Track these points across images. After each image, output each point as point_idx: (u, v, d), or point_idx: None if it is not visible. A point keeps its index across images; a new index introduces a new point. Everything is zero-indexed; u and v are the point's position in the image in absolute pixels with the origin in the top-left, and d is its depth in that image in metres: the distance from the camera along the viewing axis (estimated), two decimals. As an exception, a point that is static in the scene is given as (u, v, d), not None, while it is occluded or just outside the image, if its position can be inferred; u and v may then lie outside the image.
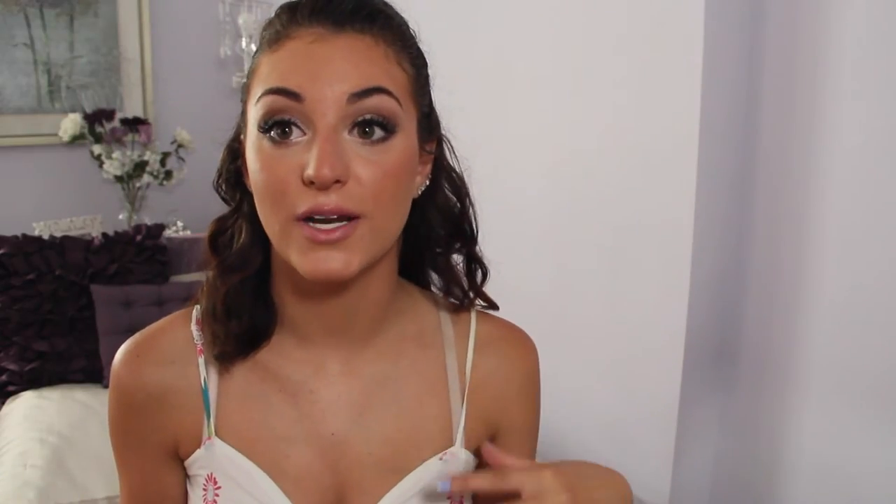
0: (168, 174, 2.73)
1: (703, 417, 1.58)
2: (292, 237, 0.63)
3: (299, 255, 0.63)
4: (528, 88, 1.88)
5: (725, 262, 1.53)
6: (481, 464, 0.78)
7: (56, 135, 2.68)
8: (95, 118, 2.66)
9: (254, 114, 0.65)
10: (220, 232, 0.74)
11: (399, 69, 0.66)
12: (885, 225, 1.28)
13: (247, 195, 0.71)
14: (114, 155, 2.64)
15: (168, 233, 2.69)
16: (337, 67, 0.62)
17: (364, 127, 0.63)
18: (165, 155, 2.73)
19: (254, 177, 0.65)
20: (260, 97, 0.64)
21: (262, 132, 0.64)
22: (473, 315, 0.80)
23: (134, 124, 2.70)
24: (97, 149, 2.65)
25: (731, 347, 1.56)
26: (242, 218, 0.72)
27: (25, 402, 2.21)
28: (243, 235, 0.72)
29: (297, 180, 0.62)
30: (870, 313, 1.31)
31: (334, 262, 0.62)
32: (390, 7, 0.69)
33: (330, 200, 0.61)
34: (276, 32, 0.66)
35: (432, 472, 0.74)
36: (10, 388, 2.30)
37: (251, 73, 0.68)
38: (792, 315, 1.43)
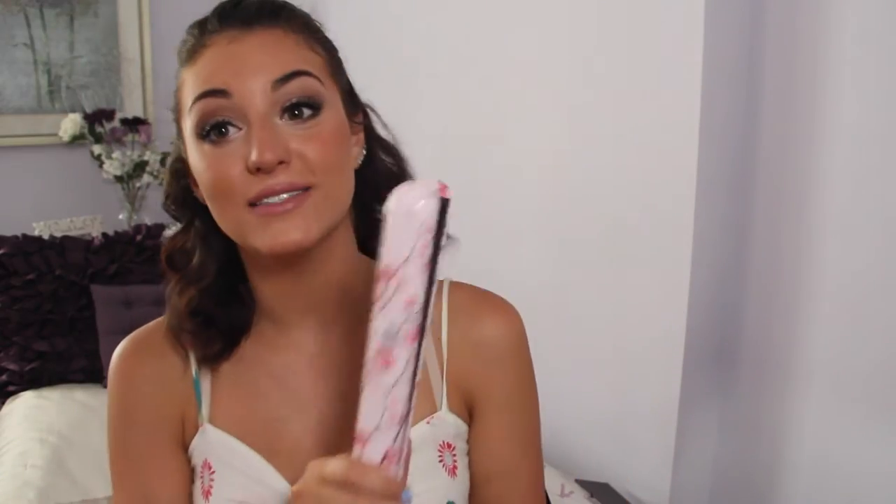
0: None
1: (702, 417, 1.58)
2: (248, 222, 0.66)
3: (259, 234, 0.66)
4: (529, 88, 1.88)
5: (725, 262, 1.53)
6: (470, 427, 0.79)
7: (56, 135, 2.68)
8: (95, 118, 2.66)
9: (189, 123, 0.68)
10: (175, 249, 0.78)
11: (312, 53, 0.70)
12: (886, 225, 1.28)
13: (198, 211, 0.74)
14: (114, 155, 2.64)
15: (168, 233, 2.68)
16: (256, 60, 0.66)
17: (293, 110, 0.67)
18: (165, 155, 2.72)
19: (201, 180, 0.69)
20: (192, 105, 0.67)
21: (201, 138, 0.67)
22: (446, 285, 0.80)
23: (134, 124, 2.70)
24: (97, 149, 2.65)
25: (731, 347, 1.56)
26: (196, 234, 0.76)
27: (25, 402, 2.21)
28: (197, 253, 0.76)
29: (242, 171, 0.65)
30: (870, 313, 1.31)
31: (294, 232, 0.65)
32: (290, 4, 0.73)
33: (279, 181, 0.65)
34: (192, 47, 0.70)
35: (419, 436, 0.74)
36: (10, 388, 2.30)
37: (177, 91, 0.71)
38: (792, 315, 1.43)
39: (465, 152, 2.03)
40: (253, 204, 0.65)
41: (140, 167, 2.68)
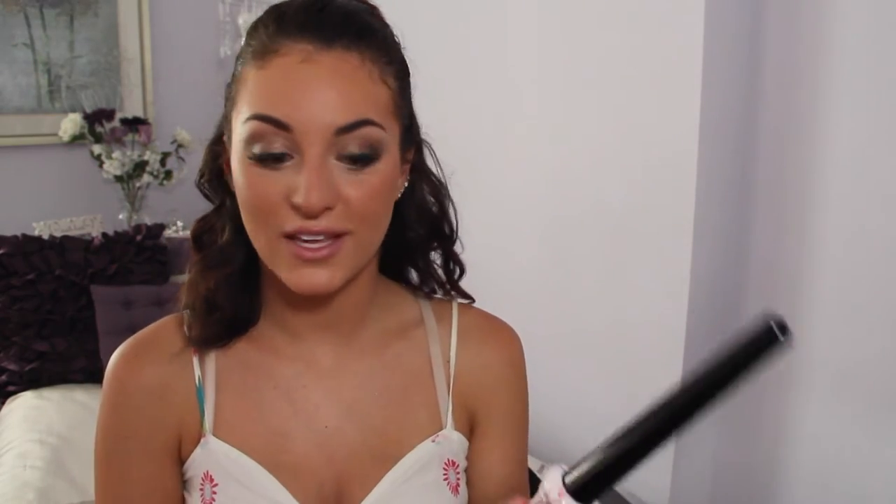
0: (168, 174, 2.73)
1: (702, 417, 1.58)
2: (279, 253, 0.65)
3: (287, 270, 0.66)
4: (530, 90, 1.88)
5: (725, 263, 1.53)
6: (470, 444, 0.81)
7: (56, 135, 2.68)
8: (95, 118, 2.66)
9: (240, 131, 0.65)
10: (204, 231, 0.76)
11: (384, 87, 0.66)
12: (885, 224, 1.28)
13: (230, 194, 0.72)
14: (114, 155, 2.64)
15: (168, 233, 2.69)
16: (325, 97, 0.63)
17: (350, 157, 0.64)
18: (165, 155, 2.73)
19: (240, 192, 0.67)
20: (247, 119, 0.64)
21: (250, 159, 0.64)
22: (455, 307, 0.83)
23: (134, 124, 2.70)
24: (97, 149, 2.65)
25: (731, 347, 1.56)
26: (226, 216, 0.74)
27: (25, 403, 2.21)
28: (226, 233, 0.74)
29: (284, 202, 0.63)
30: (870, 313, 1.31)
31: (320, 277, 0.65)
32: (375, 18, 0.69)
33: (318, 223, 0.63)
34: (263, 45, 0.65)
35: (425, 454, 0.76)
36: (10, 388, 2.30)
37: (238, 80, 0.67)
38: (792, 315, 1.43)
39: (465, 151, 2.03)
40: (289, 237, 0.64)
41: (140, 167, 2.68)
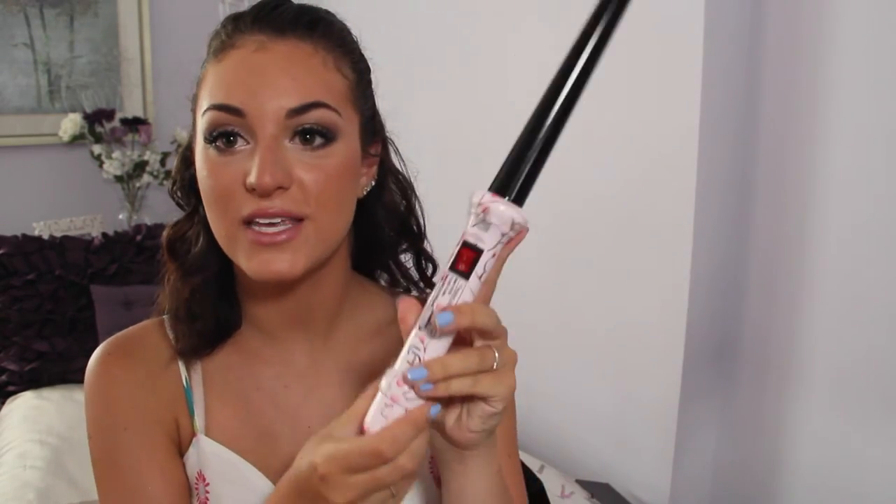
0: (168, 174, 2.73)
1: (703, 417, 1.58)
2: (238, 241, 0.66)
3: (246, 257, 0.65)
4: (530, 89, 1.88)
5: (725, 262, 1.53)
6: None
7: (56, 135, 2.68)
8: (95, 118, 2.66)
9: (201, 124, 0.67)
10: (177, 238, 0.77)
11: (338, 76, 0.68)
12: (886, 224, 1.28)
13: (202, 200, 0.72)
14: (114, 155, 2.64)
15: (168, 231, 2.69)
16: (277, 82, 0.64)
17: (304, 135, 0.65)
18: (165, 155, 2.73)
19: (202, 183, 0.68)
20: (205, 111, 0.66)
21: (208, 143, 0.66)
22: None
23: (134, 124, 2.70)
24: (97, 149, 2.65)
25: (731, 347, 1.56)
26: (199, 222, 0.75)
27: (25, 403, 2.21)
28: (201, 239, 0.74)
29: (241, 187, 0.64)
30: (870, 312, 1.31)
31: (280, 263, 0.65)
32: (331, 14, 0.71)
33: (274, 205, 0.64)
34: (222, 42, 0.68)
35: None
36: (10, 388, 2.30)
37: (199, 83, 0.70)
38: (792, 314, 1.43)
39: (467, 151, 2.03)
40: (247, 223, 0.65)
41: (140, 167, 2.68)
